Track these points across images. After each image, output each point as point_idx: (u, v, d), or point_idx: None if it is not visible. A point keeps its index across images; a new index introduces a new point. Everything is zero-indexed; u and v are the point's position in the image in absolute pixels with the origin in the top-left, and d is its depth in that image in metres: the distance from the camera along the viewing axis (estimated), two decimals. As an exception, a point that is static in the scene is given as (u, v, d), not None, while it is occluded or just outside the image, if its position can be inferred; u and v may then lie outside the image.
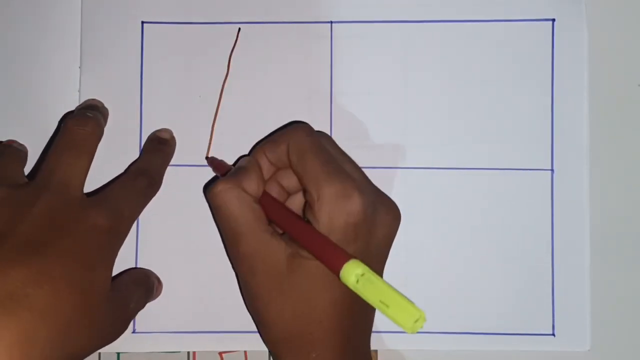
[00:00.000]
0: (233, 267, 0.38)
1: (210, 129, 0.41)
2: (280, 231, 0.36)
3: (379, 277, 0.31)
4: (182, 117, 0.41)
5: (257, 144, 0.40)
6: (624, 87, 0.41)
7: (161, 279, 0.40)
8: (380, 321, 0.39)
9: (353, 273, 0.31)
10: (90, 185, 0.38)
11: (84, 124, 0.37)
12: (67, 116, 0.40)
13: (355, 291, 0.31)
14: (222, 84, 0.41)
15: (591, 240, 0.40)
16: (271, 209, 0.35)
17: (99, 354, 0.40)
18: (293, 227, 0.34)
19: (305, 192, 0.35)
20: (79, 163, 0.36)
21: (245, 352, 0.40)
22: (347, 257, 0.31)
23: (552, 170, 0.40)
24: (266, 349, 0.40)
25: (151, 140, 0.40)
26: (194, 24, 0.41)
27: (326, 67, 0.41)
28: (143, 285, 0.38)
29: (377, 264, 0.36)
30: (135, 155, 0.40)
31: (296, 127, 0.36)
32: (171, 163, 0.40)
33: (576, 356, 0.40)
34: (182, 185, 0.40)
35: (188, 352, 0.40)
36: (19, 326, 0.29)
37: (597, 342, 0.40)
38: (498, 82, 0.41)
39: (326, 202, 0.33)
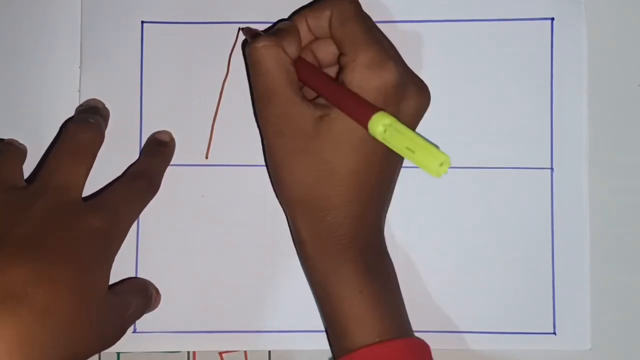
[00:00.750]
0: (259, 128, 0.38)
1: (210, 129, 0.41)
2: (310, 98, 0.36)
3: (405, 127, 0.31)
4: (182, 117, 0.41)
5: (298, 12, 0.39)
6: (623, 86, 0.41)
7: (161, 278, 0.40)
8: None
9: (381, 123, 0.31)
10: (89, 186, 0.38)
11: (85, 129, 0.37)
12: (68, 121, 0.40)
13: (383, 141, 0.31)
14: (222, 84, 0.41)
15: (591, 238, 0.40)
16: (304, 71, 0.36)
17: (99, 353, 0.40)
18: (325, 85, 0.35)
19: (341, 57, 0.36)
20: (78, 167, 0.36)
21: (245, 352, 0.40)
22: (376, 109, 0.32)
23: (551, 169, 0.40)
24: (266, 349, 0.40)
25: (150, 142, 0.40)
26: (194, 24, 0.41)
27: (326, 67, 0.41)
28: (142, 294, 0.38)
29: None
30: (135, 156, 0.40)
31: None
32: (171, 163, 0.40)
33: (577, 355, 0.40)
34: (182, 185, 0.40)
35: (188, 352, 0.40)
36: (20, 325, 0.30)
37: (598, 341, 0.40)
38: (497, 81, 0.41)
39: (361, 66, 0.34)
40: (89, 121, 0.38)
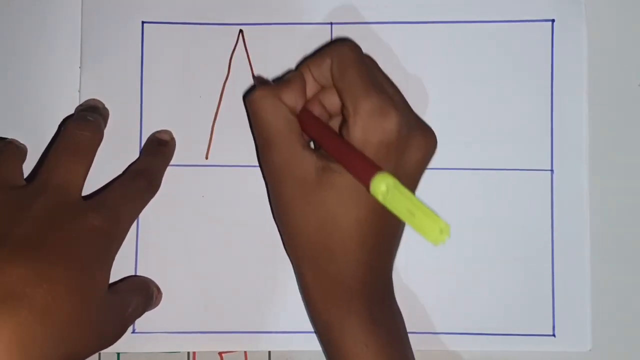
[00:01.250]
0: (263, 177, 0.38)
1: (210, 130, 0.41)
2: (315, 147, 0.36)
3: (407, 190, 0.30)
4: (182, 117, 0.41)
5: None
6: (623, 87, 0.41)
7: (161, 278, 0.40)
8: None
9: (383, 183, 0.30)
10: (89, 186, 0.38)
11: (84, 127, 0.37)
12: (67, 119, 0.40)
13: (384, 202, 0.30)
14: (222, 84, 0.41)
15: (591, 240, 0.40)
16: (308, 124, 0.35)
17: (99, 353, 0.40)
18: (327, 139, 0.34)
19: (343, 107, 0.35)
20: (77, 166, 0.36)
21: (245, 352, 0.40)
22: (378, 168, 0.31)
23: (551, 170, 0.40)
24: (266, 350, 0.40)
25: (151, 141, 0.40)
26: (194, 24, 0.41)
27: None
28: (142, 293, 0.38)
29: (407, 187, 0.36)
30: (135, 155, 0.40)
31: (342, 43, 0.36)
32: (171, 163, 0.40)
33: (577, 357, 0.40)
34: (182, 185, 0.40)
35: (188, 352, 0.40)
36: (19, 325, 0.30)
37: (597, 343, 0.40)
38: (498, 82, 0.41)
39: (362, 117, 0.33)
40: (87, 119, 0.38)
